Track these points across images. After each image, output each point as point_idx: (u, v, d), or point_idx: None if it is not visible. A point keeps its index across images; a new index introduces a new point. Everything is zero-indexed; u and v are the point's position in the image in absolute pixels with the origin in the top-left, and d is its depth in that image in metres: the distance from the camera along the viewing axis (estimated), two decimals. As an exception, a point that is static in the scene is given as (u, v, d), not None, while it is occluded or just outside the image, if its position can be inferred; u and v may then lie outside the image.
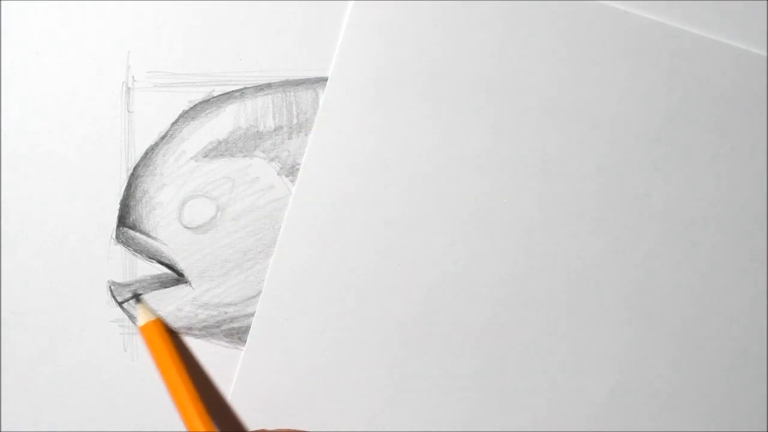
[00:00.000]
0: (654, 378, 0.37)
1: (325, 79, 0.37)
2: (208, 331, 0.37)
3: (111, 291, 0.37)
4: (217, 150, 0.37)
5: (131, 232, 0.37)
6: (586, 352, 0.37)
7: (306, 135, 0.37)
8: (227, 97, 0.37)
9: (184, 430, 0.36)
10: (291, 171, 0.37)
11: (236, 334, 0.37)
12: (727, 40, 0.37)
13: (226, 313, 0.37)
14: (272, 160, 0.37)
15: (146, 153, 0.37)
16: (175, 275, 0.37)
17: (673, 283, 0.37)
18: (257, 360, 0.36)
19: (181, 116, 0.37)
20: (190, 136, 0.37)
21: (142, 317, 0.36)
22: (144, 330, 0.36)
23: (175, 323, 0.37)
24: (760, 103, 0.37)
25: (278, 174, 0.37)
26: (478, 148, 0.37)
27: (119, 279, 0.37)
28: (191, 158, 0.37)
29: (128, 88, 0.37)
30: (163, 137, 0.37)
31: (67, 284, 0.36)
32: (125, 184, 0.37)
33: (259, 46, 0.37)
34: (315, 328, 0.37)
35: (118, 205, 0.37)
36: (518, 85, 0.37)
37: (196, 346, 0.36)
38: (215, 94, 0.37)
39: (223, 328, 0.37)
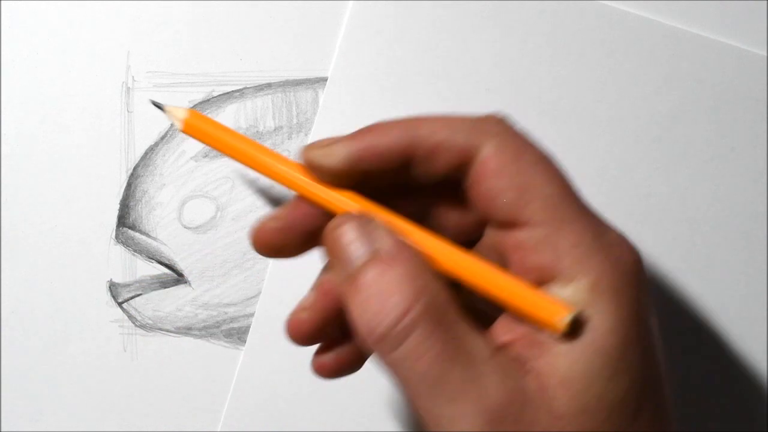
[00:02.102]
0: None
1: (325, 79, 0.37)
2: (208, 331, 0.37)
3: (111, 291, 0.37)
4: (217, 150, 0.37)
5: (131, 232, 0.37)
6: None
7: (306, 135, 0.37)
8: (227, 97, 0.37)
9: (185, 430, 0.36)
10: (291, 171, 0.37)
11: (236, 334, 0.37)
12: (727, 40, 0.37)
13: (226, 313, 0.37)
14: (272, 160, 0.37)
15: (146, 153, 0.37)
16: (175, 275, 0.37)
17: (673, 283, 0.37)
18: (257, 360, 0.36)
19: (181, 116, 0.37)
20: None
21: (174, 115, 0.29)
22: (188, 128, 0.28)
23: (175, 323, 0.37)
24: (760, 103, 0.37)
25: (278, 174, 0.37)
26: (478, 148, 0.37)
27: (119, 279, 0.37)
28: (191, 158, 0.37)
29: (128, 88, 0.37)
30: (163, 137, 0.37)
31: (67, 284, 0.36)
32: (125, 184, 0.37)
33: (259, 46, 0.37)
34: (315, 328, 0.37)
35: (118, 205, 0.37)
36: (518, 85, 0.37)
37: (196, 346, 0.36)
38: (215, 94, 0.37)
39: (223, 328, 0.37)
